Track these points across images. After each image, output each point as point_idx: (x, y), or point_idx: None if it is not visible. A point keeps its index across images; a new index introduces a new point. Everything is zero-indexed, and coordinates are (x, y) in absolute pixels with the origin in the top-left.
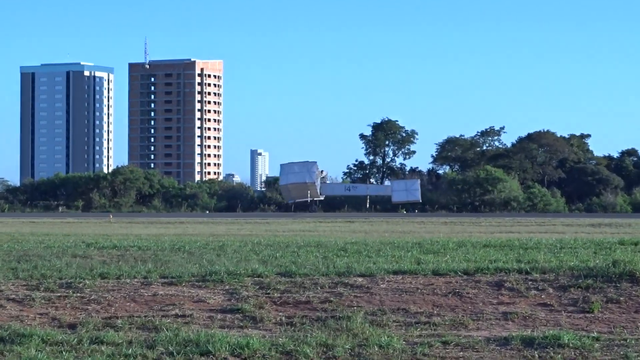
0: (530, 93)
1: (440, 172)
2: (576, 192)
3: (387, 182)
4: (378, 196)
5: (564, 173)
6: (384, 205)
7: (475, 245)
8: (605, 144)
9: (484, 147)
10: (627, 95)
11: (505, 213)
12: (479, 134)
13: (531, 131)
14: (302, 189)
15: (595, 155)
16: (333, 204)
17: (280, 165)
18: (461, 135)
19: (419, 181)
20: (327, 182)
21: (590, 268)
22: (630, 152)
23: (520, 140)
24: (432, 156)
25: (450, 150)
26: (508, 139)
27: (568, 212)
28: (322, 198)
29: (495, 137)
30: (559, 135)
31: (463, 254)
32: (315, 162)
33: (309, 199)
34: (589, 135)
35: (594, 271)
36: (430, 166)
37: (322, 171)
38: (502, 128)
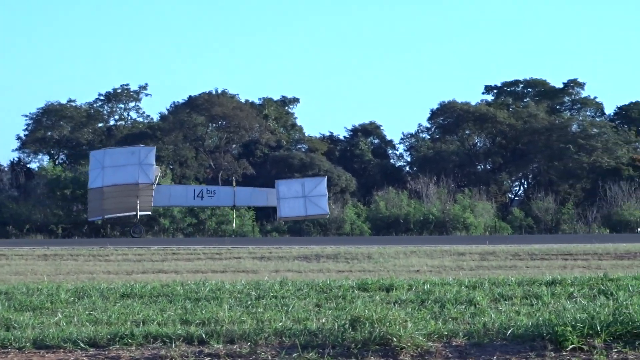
0: (195, 34)
1: (34, 165)
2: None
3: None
4: (252, 208)
5: (253, 167)
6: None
7: (107, 294)
8: (324, 115)
9: (112, 122)
10: (348, 50)
11: (151, 239)
12: (102, 98)
13: (196, 93)
14: (129, 197)
15: (307, 135)
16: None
17: (91, 153)
18: (70, 101)
19: (325, 180)
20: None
21: (312, 332)
22: (368, 129)
23: (176, 107)
24: (19, 138)
25: (52, 127)
26: (154, 107)
27: (261, 237)
28: (149, 213)
29: (133, 104)
30: (243, 101)
31: (86, 309)
32: (154, 148)
33: (137, 214)
34: (296, 101)
35: (319, 337)
36: (15, 156)
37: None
38: (144, 87)
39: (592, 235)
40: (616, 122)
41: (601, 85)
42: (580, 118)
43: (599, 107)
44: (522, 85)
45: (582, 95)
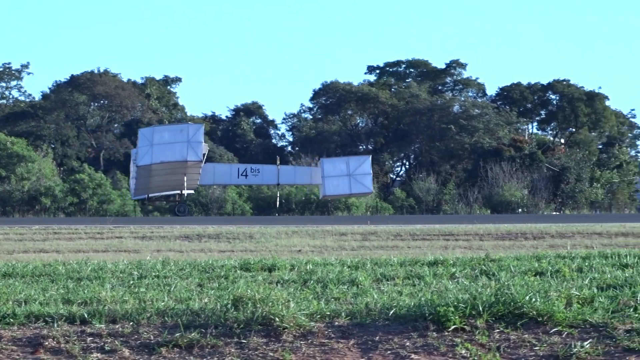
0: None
1: None
2: None
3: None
4: (293, 187)
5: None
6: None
7: None
8: (206, 95)
9: None
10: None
11: (32, 218)
12: None
13: (78, 72)
14: (176, 174)
15: (189, 114)
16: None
17: (140, 131)
18: None
19: (369, 159)
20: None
21: (194, 312)
22: (250, 109)
23: (58, 86)
24: None
25: None
26: (36, 86)
27: (143, 217)
28: (192, 192)
29: (14, 82)
30: (126, 80)
31: None
32: (202, 126)
33: (184, 192)
34: (178, 80)
35: (202, 317)
36: None
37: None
38: (26, 66)
39: (473, 216)
40: (498, 103)
41: (483, 66)
42: (462, 99)
43: (480, 88)
44: (404, 66)
45: (464, 76)
